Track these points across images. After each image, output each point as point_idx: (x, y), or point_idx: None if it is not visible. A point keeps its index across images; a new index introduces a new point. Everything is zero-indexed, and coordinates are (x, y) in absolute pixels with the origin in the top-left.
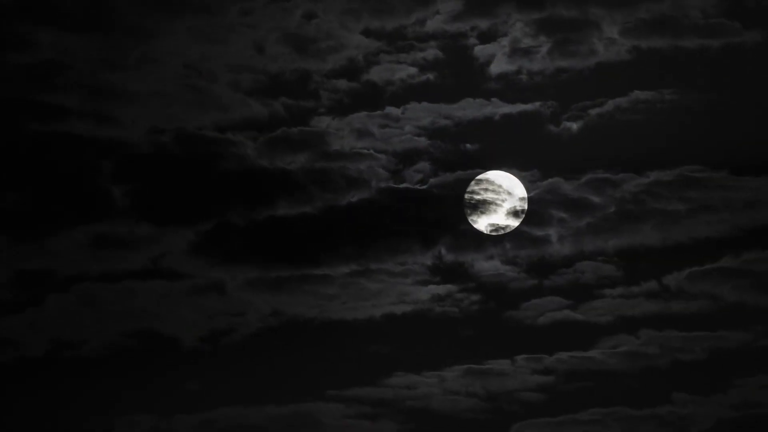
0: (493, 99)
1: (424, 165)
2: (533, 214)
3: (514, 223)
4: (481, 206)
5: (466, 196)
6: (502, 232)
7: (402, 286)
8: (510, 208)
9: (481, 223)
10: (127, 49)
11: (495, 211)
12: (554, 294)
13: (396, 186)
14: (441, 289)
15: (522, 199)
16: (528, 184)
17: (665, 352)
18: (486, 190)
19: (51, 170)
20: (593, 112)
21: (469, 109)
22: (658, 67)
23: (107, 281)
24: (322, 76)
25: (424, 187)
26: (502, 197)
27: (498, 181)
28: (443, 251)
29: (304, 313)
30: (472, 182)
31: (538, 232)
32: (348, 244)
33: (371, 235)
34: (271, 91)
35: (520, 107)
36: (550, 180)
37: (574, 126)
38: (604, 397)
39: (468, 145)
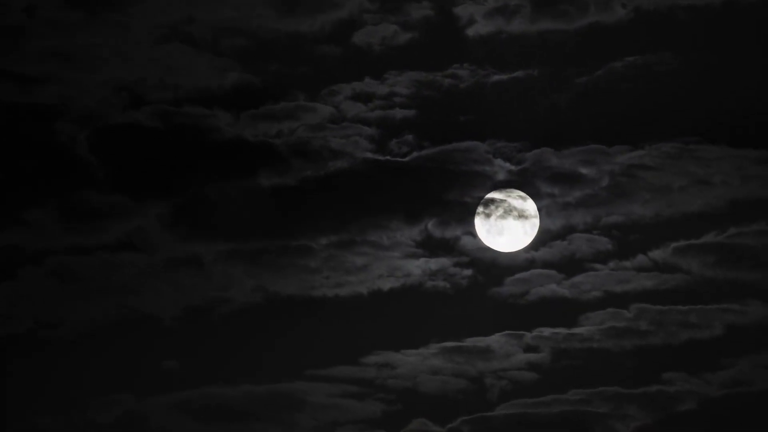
0: (475, 66)
1: (408, 136)
2: (523, 186)
3: (503, 196)
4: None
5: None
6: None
7: (390, 260)
8: (498, 181)
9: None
10: (99, 12)
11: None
12: (544, 268)
13: (380, 158)
14: (434, 263)
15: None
16: (516, 155)
17: (657, 328)
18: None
19: (19, 142)
20: (584, 79)
21: (454, 77)
22: (654, 28)
23: (81, 254)
24: (309, 41)
25: (408, 158)
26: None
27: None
28: (430, 224)
29: (285, 288)
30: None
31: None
32: (331, 216)
33: (355, 206)
34: (255, 57)
35: (506, 74)
36: (538, 151)
37: (564, 94)
38: (593, 376)
39: (453, 116)
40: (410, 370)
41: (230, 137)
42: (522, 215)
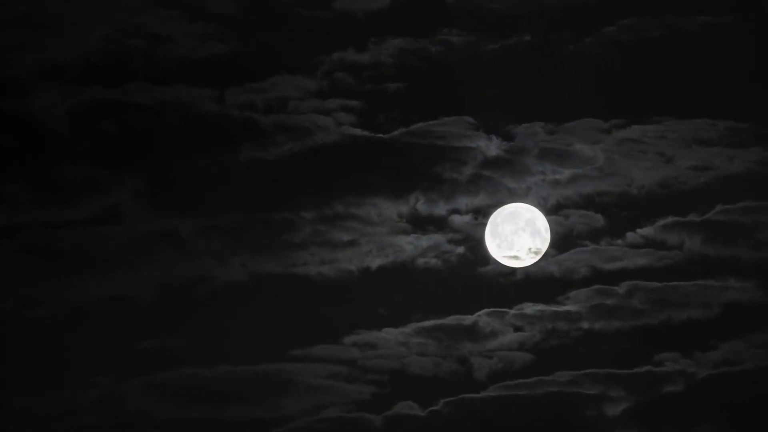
0: (465, 33)
1: (395, 111)
2: (514, 162)
3: (492, 173)
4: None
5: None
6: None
7: (379, 236)
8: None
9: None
10: None
11: None
12: None
13: (366, 133)
14: (425, 240)
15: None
16: (506, 129)
17: (650, 307)
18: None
19: None
20: (572, 47)
21: (442, 44)
22: None
23: (56, 228)
24: (293, 5)
25: (395, 133)
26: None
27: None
28: (418, 201)
29: (268, 266)
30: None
31: (520, 184)
32: (315, 192)
33: (340, 182)
34: (241, 24)
35: (496, 44)
36: (528, 125)
37: (555, 64)
38: (582, 356)
39: (441, 89)
40: (394, 350)
41: (213, 111)
42: (533, 230)
